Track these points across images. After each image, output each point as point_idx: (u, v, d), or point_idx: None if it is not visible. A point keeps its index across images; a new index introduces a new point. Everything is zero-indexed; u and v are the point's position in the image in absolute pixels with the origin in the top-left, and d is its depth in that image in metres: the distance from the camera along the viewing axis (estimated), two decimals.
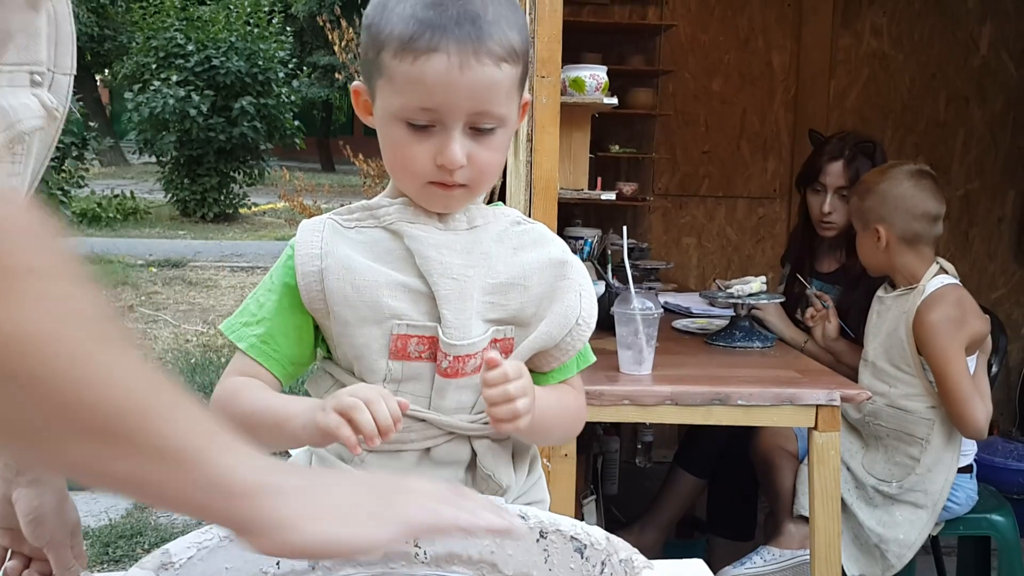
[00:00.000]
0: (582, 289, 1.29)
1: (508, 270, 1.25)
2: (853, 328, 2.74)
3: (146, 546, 3.39)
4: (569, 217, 3.80)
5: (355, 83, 1.26)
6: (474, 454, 1.27)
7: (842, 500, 2.32)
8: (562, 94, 2.41)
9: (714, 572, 2.63)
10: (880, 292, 2.56)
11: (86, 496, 3.83)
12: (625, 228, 2.44)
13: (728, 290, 2.62)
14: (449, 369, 1.23)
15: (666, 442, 3.92)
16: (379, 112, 1.19)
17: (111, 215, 13.15)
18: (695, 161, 4.20)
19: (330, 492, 0.78)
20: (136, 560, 3.25)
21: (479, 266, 1.23)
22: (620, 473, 3.56)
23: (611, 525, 3.14)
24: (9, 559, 1.20)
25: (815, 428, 2.17)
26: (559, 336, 1.28)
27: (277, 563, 0.99)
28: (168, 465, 0.69)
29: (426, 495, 0.83)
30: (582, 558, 0.95)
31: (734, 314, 2.68)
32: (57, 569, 1.17)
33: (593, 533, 0.95)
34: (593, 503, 2.54)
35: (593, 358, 1.38)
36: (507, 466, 1.30)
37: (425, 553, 1.01)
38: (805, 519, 2.45)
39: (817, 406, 2.16)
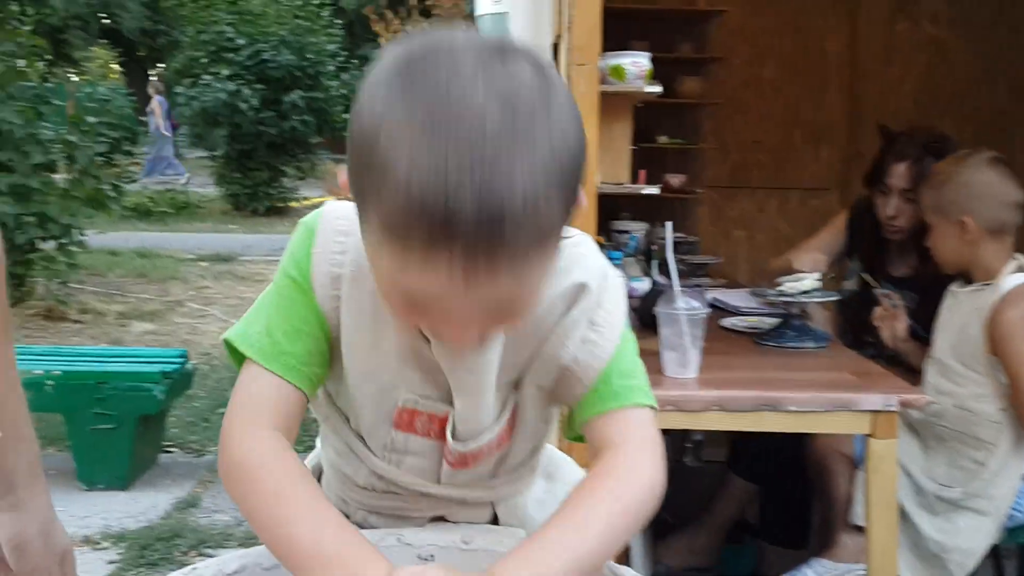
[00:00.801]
0: (593, 316, 1.02)
1: (534, 339, 1.02)
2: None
3: (184, 548, 3.34)
4: (615, 211, 3.68)
5: (341, 174, 1.05)
6: (495, 516, 1.14)
7: (901, 507, 2.19)
8: (601, 83, 2.30)
9: None
10: (953, 287, 2.43)
11: (124, 496, 3.80)
12: (670, 224, 2.32)
13: (779, 287, 2.49)
14: (456, 463, 1.08)
15: (716, 440, 3.78)
16: (366, 238, 0.86)
17: (162, 209, 13.24)
18: (746, 151, 4.06)
19: None
20: (174, 564, 3.18)
21: (503, 348, 1.01)
22: (669, 473, 3.43)
23: (660, 527, 3.03)
24: None
25: (872, 435, 2.04)
26: (552, 376, 1.04)
27: None
28: None
29: None
30: None
31: (786, 312, 2.55)
32: None
33: (619, 571, 0.85)
34: None
35: (648, 400, 1.05)
36: (537, 510, 1.16)
37: None
38: (861, 529, 2.32)
39: (874, 412, 2.03)
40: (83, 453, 3.85)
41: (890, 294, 2.66)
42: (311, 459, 1.26)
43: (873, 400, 2.03)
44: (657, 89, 2.46)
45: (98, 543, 3.42)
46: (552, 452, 1.25)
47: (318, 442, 1.22)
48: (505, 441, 1.08)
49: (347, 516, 1.16)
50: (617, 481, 0.94)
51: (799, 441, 2.62)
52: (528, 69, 0.80)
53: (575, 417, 1.06)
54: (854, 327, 2.85)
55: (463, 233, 0.75)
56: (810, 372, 2.26)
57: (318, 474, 1.24)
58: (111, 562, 3.27)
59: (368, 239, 0.85)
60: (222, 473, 0.95)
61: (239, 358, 1.01)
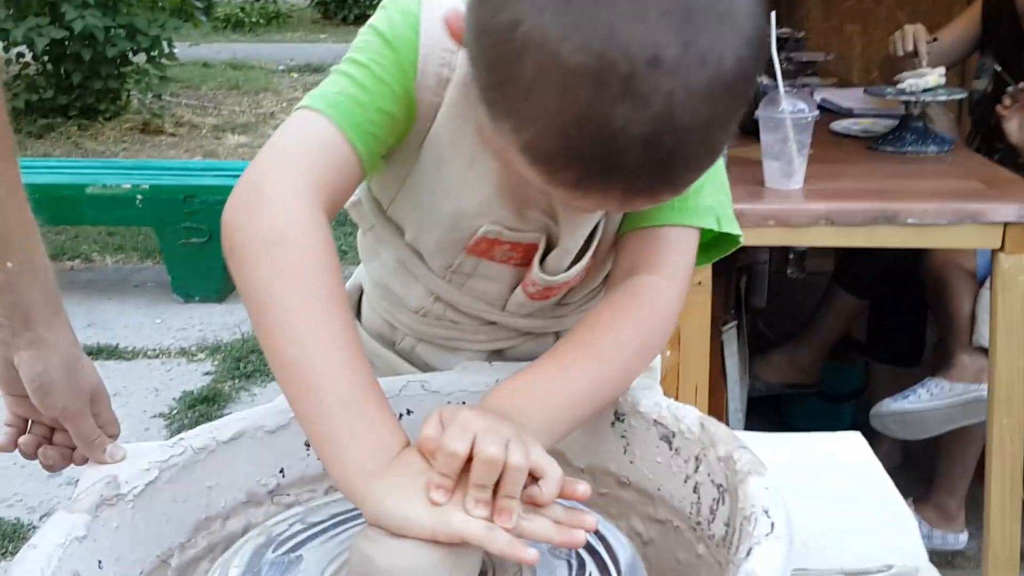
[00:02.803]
0: None
1: None
2: None
3: None
4: None
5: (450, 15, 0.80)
6: None
7: None
8: None
9: (872, 401, 2.40)
10: None
11: (219, 308, 3.82)
12: (774, 14, 2.06)
13: (899, 85, 2.24)
14: (537, 295, 0.94)
15: (822, 251, 3.59)
16: (493, 132, 0.72)
17: (254, 20, 13.06)
18: None
19: None
20: (267, 376, 3.19)
21: None
22: (769, 285, 3.29)
23: (759, 343, 2.90)
24: (29, 430, 1.05)
25: (1001, 249, 1.83)
26: None
27: (281, 471, 0.79)
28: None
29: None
30: (670, 449, 0.71)
31: (905, 113, 2.29)
32: (79, 442, 1.00)
33: (684, 417, 0.71)
34: (734, 330, 2.28)
35: (736, 238, 0.96)
36: None
37: None
38: (984, 351, 2.14)
39: (1005, 224, 1.81)
40: (177, 266, 3.87)
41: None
42: (350, 281, 1.11)
43: (1005, 211, 1.81)
44: None
45: (194, 355, 3.46)
46: None
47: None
48: (587, 271, 0.96)
49: (392, 344, 1.04)
50: (640, 310, 0.84)
51: (915, 254, 2.41)
52: None
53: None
54: (984, 131, 2.58)
55: (621, 179, 0.66)
56: (932, 180, 2.04)
57: (357, 296, 1.10)
58: (207, 373, 3.31)
59: (497, 140, 0.71)
60: (242, 232, 0.75)
61: None
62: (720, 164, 0.90)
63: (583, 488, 0.65)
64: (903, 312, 2.63)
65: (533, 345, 1.00)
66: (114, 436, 1.03)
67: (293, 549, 0.73)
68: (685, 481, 0.69)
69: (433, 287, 0.96)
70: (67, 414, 0.98)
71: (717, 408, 2.25)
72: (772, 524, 0.58)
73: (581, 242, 0.90)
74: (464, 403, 0.80)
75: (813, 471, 1.00)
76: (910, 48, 2.52)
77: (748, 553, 0.55)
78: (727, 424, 2.38)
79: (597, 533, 0.68)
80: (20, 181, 0.94)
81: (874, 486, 0.98)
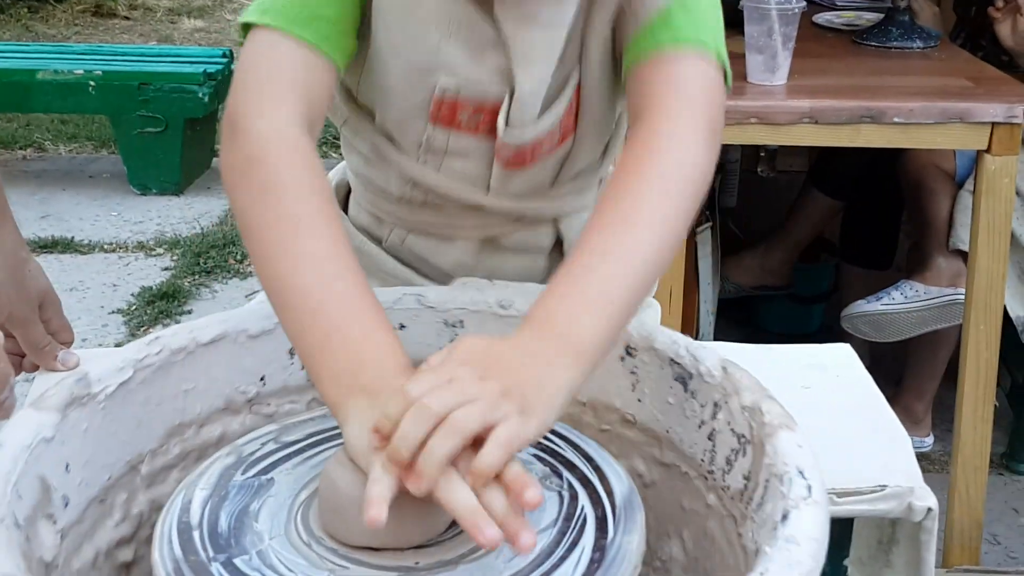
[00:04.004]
0: None
1: None
2: None
3: (239, 256, 3.26)
4: None
5: None
6: (559, 240, 0.95)
7: (1011, 233, 1.95)
8: None
9: (842, 304, 2.37)
10: None
11: (177, 201, 3.71)
12: None
13: None
14: (511, 160, 0.87)
15: (793, 149, 3.53)
16: None
17: None
18: None
19: None
20: (228, 272, 3.12)
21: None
22: (740, 185, 3.23)
23: (730, 243, 2.85)
24: None
25: (988, 151, 1.78)
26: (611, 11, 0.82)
27: (262, 378, 0.73)
28: None
29: None
30: (685, 391, 0.66)
31: (891, 6, 2.21)
32: (28, 350, 0.94)
33: (704, 358, 0.65)
34: (708, 232, 2.23)
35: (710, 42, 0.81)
36: None
37: None
38: (960, 253, 2.11)
39: (993, 124, 1.75)
40: (133, 157, 3.74)
41: None
42: (333, 174, 1.06)
43: (993, 110, 1.75)
44: None
45: (152, 249, 3.37)
46: None
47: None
48: (569, 133, 0.89)
49: (380, 241, 0.98)
50: (663, 170, 0.73)
51: (892, 155, 2.36)
52: None
53: (623, 69, 0.83)
54: (971, 26, 2.50)
55: None
56: (918, 77, 1.97)
57: (344, 192, 1.05)
58: (165, 268, 3.23)
59: None
60: (225, 168, 0.77)
61: None
62: None
63: (532, 494, 0.55)
64: (877, 214, 2.59)
65: (528, 233, 0.94)
66: (67, 343, 0.97)
67: (264, 471, 0.67)
68: (700, 427, 0.64)
69: (409, 171, 0.91)
70: (14, 320, 0.92)
71: (689, 311, 2.21)
72: (809, 487, 0.54)
73: (543, 87, 0.83)
74: (462, 322, 0.73)
75: (802, 384, 0.97)
76: None
77: (784, 517, 0.51)
78: (697, 326, 2.35)
79: (592, 464, 0.63)
80: None
81: (866, 401, 0.95)
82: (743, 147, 3.17)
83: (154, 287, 3.06)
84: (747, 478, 0.60)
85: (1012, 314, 2.06)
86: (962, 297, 1.98)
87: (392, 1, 0.81)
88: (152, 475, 0.69)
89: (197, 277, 3.16)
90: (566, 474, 0.64)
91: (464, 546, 0.59)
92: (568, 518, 0.60)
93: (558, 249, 0.96)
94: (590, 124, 0.90)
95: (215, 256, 3.27)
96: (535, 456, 0.67)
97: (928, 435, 2.33)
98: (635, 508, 0.59)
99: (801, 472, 0.54)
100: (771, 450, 0.57)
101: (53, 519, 0.58)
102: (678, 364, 0.66)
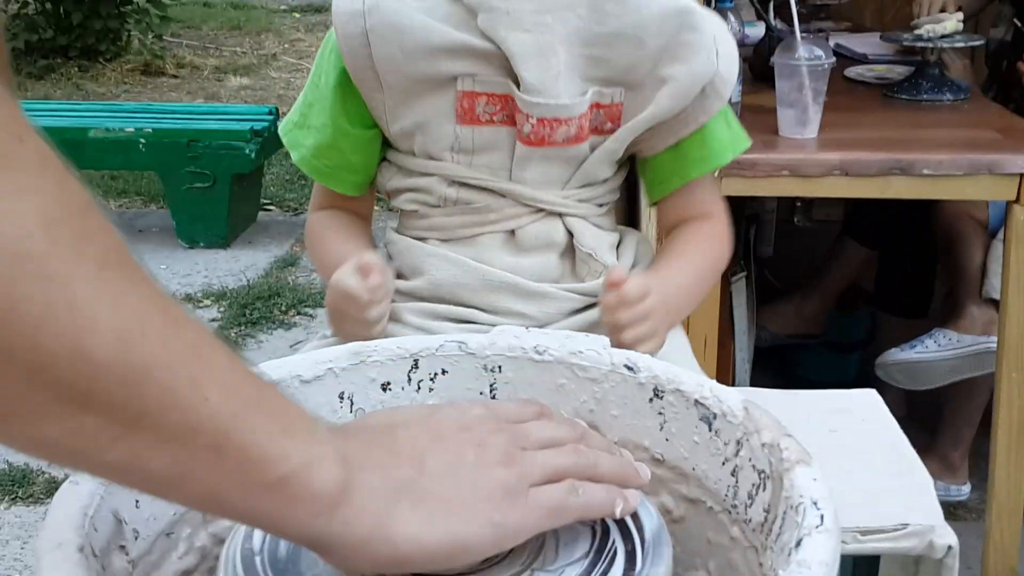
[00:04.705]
0: (718, 44, 1.02)
1: (618, 18, 0.99)
2: None
3: (283, 308, 3.34)
4: None
5: None
6: (570, 235, 1.07)
7: None
8: None
9: (878, 352, 2.39)
10: None
11: (224, 254, 3.81)
12: None
13: (916, 31, 2.20)
14: (532, 135, 1.01)
15: (829, 200, 3.56)
16: None
17: None
18: None
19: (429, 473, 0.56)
20: (274, 323, 3.18)
21: (563, 11, 0.98)
22: (776, 234, 3.27)
23: (766, 292, 2.88)
24: None
25: (1016, 201, 1.81)
26: (682, 105, 1.02)
27: None
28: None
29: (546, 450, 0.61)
30: (710, 430, 0.70)
31: (921, 60, 2.26)
32: None
33: (727, 399, 0.70)
34: (743, 281, 2.27)
35: (745, 143, 1.13)
36: (610, 248, 1.10)
37: None
38: (993, 303, 2.13)
39: (1021, 175, 1.78)
40: (181, 212, 3.85)
41: None
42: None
43: (1021, 161, 1.78)
44: None
45: (200, 301, 3.46)
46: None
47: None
48: (584, 133, 1.05)
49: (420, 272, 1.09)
50: (711, 237, 1.13)
51: (926, 204, 2.39)
52: None
53: (661, 170, 1.13)
54: (1002, 80, 2.54)
55: None
56: (948, 129, 2.00)
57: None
58: (213, 320, 3.31)
59: None
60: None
61: None
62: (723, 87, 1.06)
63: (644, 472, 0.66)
64: (912, 263, 2.61)
65: (542, 225, 1.07)
66: None
67: None
68: (723, 464, 0.68)
69: (445, 171, 1.07)
70: None
71: (725, 360, 2.24)
72: (822, 516, 0.58)
73: (551, 72, 1.00)
74: (500, 367, 0.79)
75: (829, 428, 1.00)
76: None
77: (798, 544, 0.55)
78: (733, 374, 2.37)
79: None
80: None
81: (890, 444, 0.98)
82: (779, 198, 3.22)
83: None
84: (767, 511, 0.64)
85: None
86: (995, 345, 2.00)
87: (396, 79, 1.02)
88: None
89: (243, 328, 3.24)
90: None
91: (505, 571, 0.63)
92: (599, 551, 0.64)
93: (570, 252, 1.09)
94: (603, 146, 1.08)
95: (260, 307, 3.35)
96: None
97: (965, 483, 2.34)
98: (663, 543, 0.63)
99: (815, 503, 0.58)
100: (788, 484, 0.61)
101: (125, 550, 0.64)
102: (703, 405, 0.70)
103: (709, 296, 1.82)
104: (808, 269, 2.81)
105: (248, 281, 3.56)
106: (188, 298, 3.46)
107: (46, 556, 0.54)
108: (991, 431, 1.93)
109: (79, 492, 0.61)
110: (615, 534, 0.65)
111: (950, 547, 0.85)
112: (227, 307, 3.38)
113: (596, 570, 0.62)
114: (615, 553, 0.64)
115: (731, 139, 1.12)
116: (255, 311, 3.33)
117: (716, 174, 1.14)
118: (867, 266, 2.71)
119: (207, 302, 3.45)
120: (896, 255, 2.63)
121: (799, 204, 3.45)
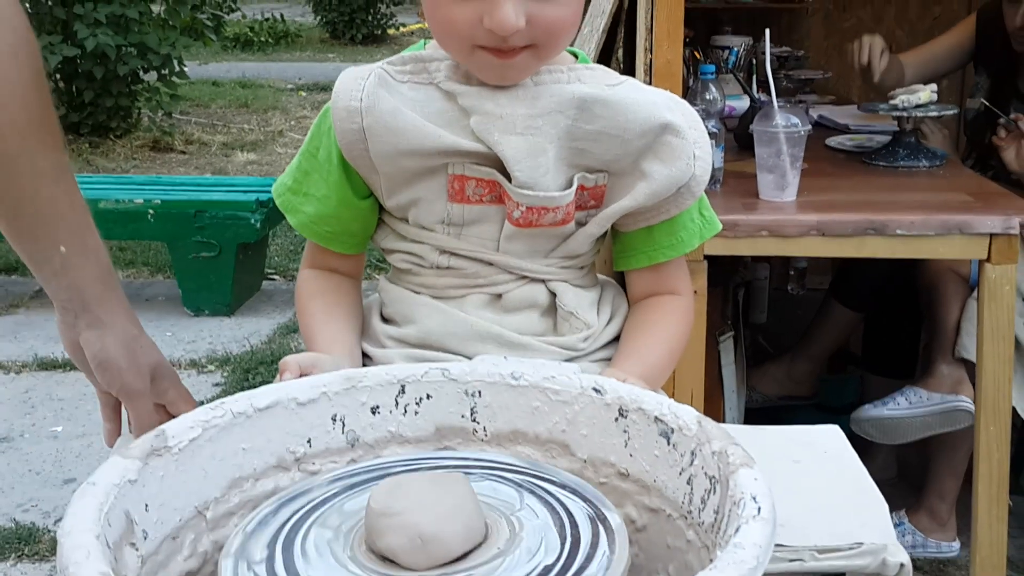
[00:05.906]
0: (696, 149, 1.09)
1: (604, 119, 1.05)
2: None
3: None
4: (716, 25, 3.46)
5: None
6: (552, 295, 1.14)
7: (1016, 339, 2.04)
8: None
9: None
10: None
11: (228, 322, 3.89)
12: (768, 32, 2.13)
13: (891, 101, 2.30)
14: (522, 219, 1.07)
15: (821, 268, 3.65)
16: None
17: (263, 39, 13.17)
18: None
19: None
20: None
21: (553, 114, 1.04)
22: (770, 301, 3.34)
23: (759, 356, 2.95)
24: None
25: (988, 260, 1.89)
26: (656, 201, 1.10)
27: (308, 440, 0.85)
28: None
29: None
30: (668, 444, 0.77)
31: (899, 128, 2.36)
32: (133, 423, 1.05)
33: (683, 415, 0.77)
34: (731, 340, 2.34)
35: (715, 228, 1.21)
36: (591, 305, 1.16)
37: (485, 430, 0.86)
38: (964, 362, 2.19)
39: (991, 235, 1.87)
40: (187, 280, 3.94)
41: (1019, 116, 2.41)
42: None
43: (991, 222, 1.86)
44: None
45: (204, 367, 3.52)
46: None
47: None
48: (570, 217, 1.11)
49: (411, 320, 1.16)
50: (674, 315, 1.18)
51: (910, 264, 2.46)
52: None
53: (632, 246, 1.18)
54: (978, 147, 2.63)
55: None
56: (922, 193, 2.09)
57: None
58: (216, 384, 3.37)
59: None
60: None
61: None
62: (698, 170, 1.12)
63: None
64: (898, 325, 2.68)
65: (527, 290, 1.13)
66: (186, 411, 1.07)
67: (307, 514, 0.79)
68: (680, 473, 0.75)
69: (436, 242, 1.13)
70: (125, 392, 1.02)
71: (713, 415, 2.29)
72: (759, 508, 0.64)
73: (540, 170, 1.05)
74: (480, 392, 0.87)
75: (793, 459, 1.07)
76: (864, 62, 2.59)
77: (736, 530, 0.62)
78: None
79: (593, 506, 0.74)
80: (68, 167, 1.00)
81: (849, 472, 1.05)
82: (772, 265, 3.31)
83: (205, 402, 3.17)
84: (716, 512, 0.70)
85: (1022, 415, 2.12)
86: (964, 404, 2.06)
87: (392, 170, 1.08)
88: (215, 520, 0.80)
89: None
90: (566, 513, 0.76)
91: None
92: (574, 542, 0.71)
93: (552, 310, 1.15)
94: (587, 227, 1.14)
95: (263, 372, 3.41)
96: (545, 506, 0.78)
97: (955, 540, 2.36)
98: (623, 533, 0.70)
99: (754, 497, 0.65)
100: (733, 484, 0.68)
101: (136, 547, 0.70)
102: (662, 421, 0.77)
103: (694, 353, 1.89)
104: (801, 336, 2.87)
105: (251, 347, 3.63)
106: (193, 364, 3.53)
107: (67, 539, 0.61)
108: (972, 485, 1.97)
109: (95, 491, 0.68)
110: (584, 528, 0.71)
111: (902, 565, 0.91)
112: (230, 372, 3.45)
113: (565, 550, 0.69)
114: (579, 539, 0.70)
115: (701, 227, 1.17)
116: (258, 375, 3.40)
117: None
118: (854, 329, 2.77)
119: (211, 367, 3.51)
120: (882, 318, 2.70)
121: (792, 272, 3.54)
